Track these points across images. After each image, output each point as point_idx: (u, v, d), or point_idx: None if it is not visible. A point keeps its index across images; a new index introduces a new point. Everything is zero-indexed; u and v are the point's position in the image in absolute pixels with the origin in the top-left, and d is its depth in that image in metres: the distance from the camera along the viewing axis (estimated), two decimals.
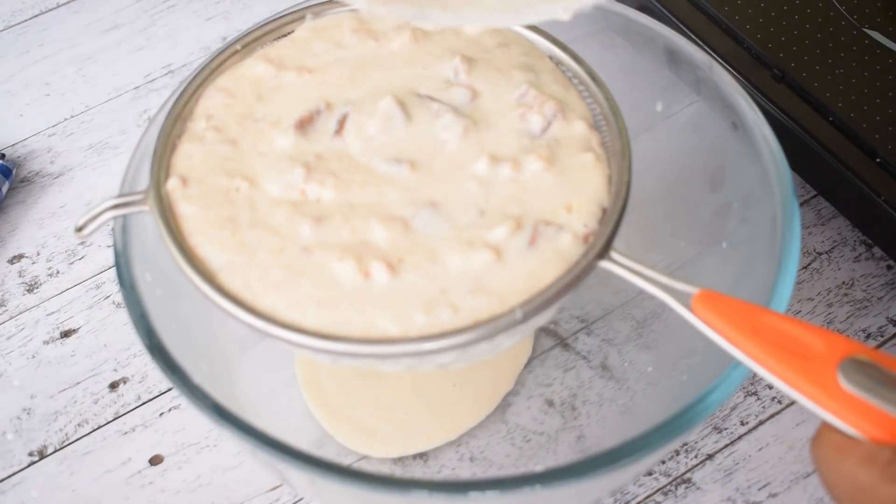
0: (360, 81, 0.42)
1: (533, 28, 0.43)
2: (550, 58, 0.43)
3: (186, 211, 0.38)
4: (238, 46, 0.43)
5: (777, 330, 0.33)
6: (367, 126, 0.40)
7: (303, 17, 0.44)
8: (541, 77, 0.42)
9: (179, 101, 0.41)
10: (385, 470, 0.50)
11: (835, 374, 0.31)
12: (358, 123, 0.40)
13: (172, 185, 0.39)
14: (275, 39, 0.44)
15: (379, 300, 0.36)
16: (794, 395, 0.32)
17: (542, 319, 0.38)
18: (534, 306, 0.35)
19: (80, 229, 0.38)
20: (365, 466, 0.50)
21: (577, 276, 0.36)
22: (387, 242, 0.37)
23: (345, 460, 0.50)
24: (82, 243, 0.60)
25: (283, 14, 0.44)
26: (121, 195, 0.39)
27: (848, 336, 0.31)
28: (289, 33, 0.44)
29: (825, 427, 0.31)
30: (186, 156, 0.40)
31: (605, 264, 0.36)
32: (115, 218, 0.40)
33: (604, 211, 0.38)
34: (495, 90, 0.41)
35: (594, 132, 0.40)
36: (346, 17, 0.44)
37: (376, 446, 0.50)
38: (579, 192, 0.38)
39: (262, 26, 0.44)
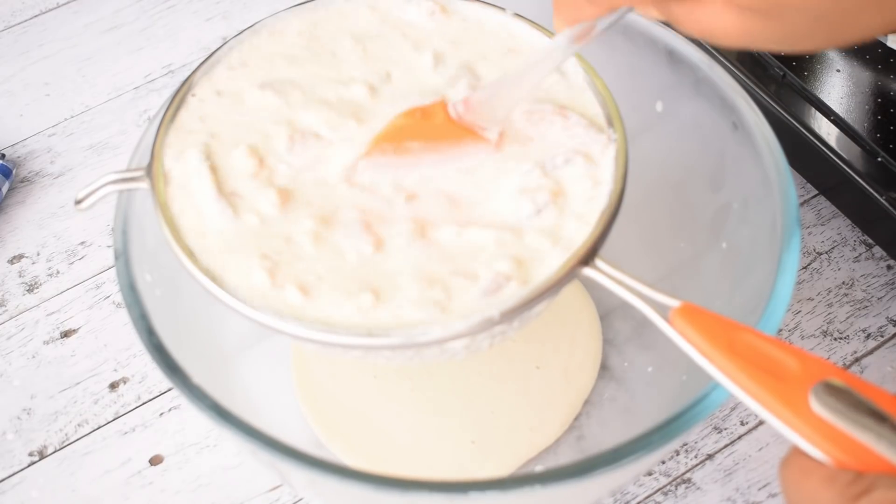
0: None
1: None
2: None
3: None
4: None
5: (753, 348, 0.32)
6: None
7: None
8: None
9: (185, 84, 0.41)
10: None
11: (807, 396, 0.30)
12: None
13: (170, 163, 0.39)
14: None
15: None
16: (765, 414, 0.31)
17: (521, 321, 0.38)
18: (512, 306, 0.35)
19: (79, 202, 0.38)
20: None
21: (559, 281, 0.35)
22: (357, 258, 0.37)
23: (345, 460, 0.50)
24: (82, 243, 0.60)
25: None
26: (120, 171, 0.39)
27: (824, 359, 0.31)
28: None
29: (794, 450, 0.31)
30: (187, 133, 0.40)
31: (588, 271, 0.36)
32: (120, 192, 0.40)
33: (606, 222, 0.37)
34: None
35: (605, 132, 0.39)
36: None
37: (364, 462, 0.49)
38: (584, 215, 0.37)
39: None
